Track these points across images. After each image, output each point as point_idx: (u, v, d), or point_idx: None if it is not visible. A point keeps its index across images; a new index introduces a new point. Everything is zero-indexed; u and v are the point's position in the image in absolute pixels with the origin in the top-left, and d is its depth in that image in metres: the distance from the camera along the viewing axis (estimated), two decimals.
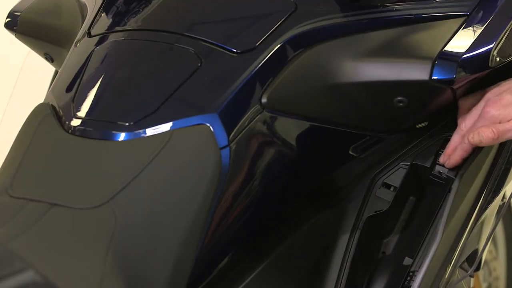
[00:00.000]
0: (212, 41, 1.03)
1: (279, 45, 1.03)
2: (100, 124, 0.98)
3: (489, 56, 1.06)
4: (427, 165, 1.15)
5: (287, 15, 1.05)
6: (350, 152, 1.14)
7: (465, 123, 1.10)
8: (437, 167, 1.14)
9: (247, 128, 1.01)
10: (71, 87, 1.03)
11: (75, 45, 1.11)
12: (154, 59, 1.05)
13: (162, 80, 1.02)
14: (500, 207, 1.28)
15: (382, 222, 1.16)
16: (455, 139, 1.12)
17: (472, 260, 1.24)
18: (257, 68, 1.01)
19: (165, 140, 0.95)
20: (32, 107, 1.04)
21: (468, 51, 1.06)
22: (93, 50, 1.06)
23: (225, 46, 1.03)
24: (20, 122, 1.03)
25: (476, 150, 1.11)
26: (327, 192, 1.16)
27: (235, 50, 1.02)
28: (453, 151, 1.12)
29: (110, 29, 1.09)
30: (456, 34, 1.07)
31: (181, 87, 1.00)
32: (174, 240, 0.93)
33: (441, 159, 1.13)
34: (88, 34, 1.10)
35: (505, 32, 1.07)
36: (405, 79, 1.07)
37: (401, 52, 1.08)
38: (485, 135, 1.06)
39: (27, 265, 0.77)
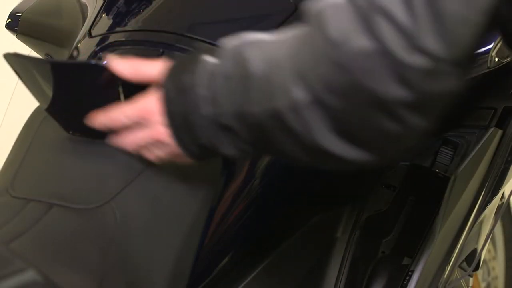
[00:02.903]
0: (212, 42, 1.03)
1: None
2: None
3: (488, 57, 1.06)
4: (427, 165, 1.15)
5: (286, 16, 1.05)
6: None
7: None
8: (436, 167, 1.14)
9: None
10: None
11: (76, 46, 1.11)
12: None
13: None
14: (499, 206, 1.28)
15: (381, 222, 1.16)
16: None
17: (471, 260, 1.24)
18: None
19: None
20: (33, 108, 1.04)
21: None
22: (94, 51, 1.07)
23: None
24: (21, 122, 1.03)
25: (471, 148, 1.11)
26: (327, 192, 1.17)
27: None
28: None
29: (111, 29, 1.09)
30: None
31: None
32: (174, 240, 0.93)
33: None
34: (89, 34, 1.10)
35: None
36: None
37: None
38: None
39: (27, 265, 0.77)
